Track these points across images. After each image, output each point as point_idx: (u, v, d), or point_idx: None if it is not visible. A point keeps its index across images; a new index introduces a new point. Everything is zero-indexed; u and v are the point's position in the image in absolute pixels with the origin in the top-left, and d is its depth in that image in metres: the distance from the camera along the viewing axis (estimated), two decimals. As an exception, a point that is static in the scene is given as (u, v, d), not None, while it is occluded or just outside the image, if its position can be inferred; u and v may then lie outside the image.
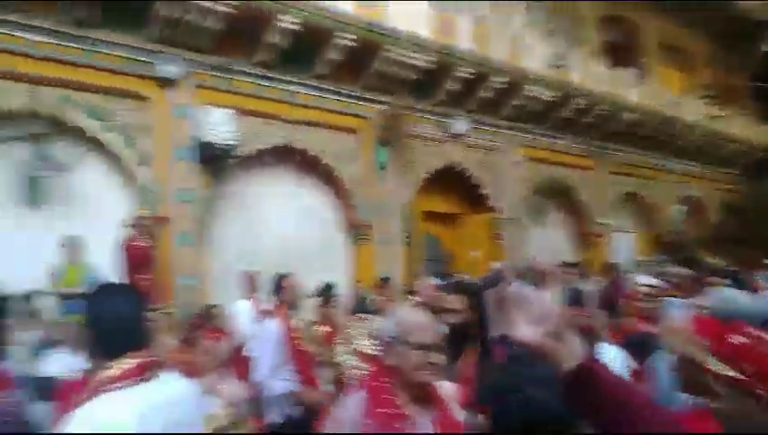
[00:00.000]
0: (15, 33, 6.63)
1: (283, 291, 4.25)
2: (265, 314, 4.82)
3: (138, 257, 6.41)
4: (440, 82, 10.03)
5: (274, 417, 4.01)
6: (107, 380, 1.55)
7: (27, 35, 6.68)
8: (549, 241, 12.21)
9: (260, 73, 8.43)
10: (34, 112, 6.72)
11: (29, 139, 6.62)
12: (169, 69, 7.50)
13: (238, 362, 4.26)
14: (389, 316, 2.18)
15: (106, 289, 1.81)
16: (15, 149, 6.60)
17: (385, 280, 7.52)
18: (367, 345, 5.13)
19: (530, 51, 11.13)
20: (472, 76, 10.16)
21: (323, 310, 5.63)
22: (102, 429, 1.46)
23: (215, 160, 7.85)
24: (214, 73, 8.07)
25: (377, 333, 2.50)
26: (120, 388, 1.54)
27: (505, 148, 11.38)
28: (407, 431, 1.85)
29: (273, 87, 8.58)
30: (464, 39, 10.09)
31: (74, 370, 3.62)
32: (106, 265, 6.33)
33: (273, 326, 4.11)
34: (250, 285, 6.91)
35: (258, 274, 6.84)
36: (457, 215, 11.49)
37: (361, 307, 6.11)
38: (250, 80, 8.37)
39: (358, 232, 9.50)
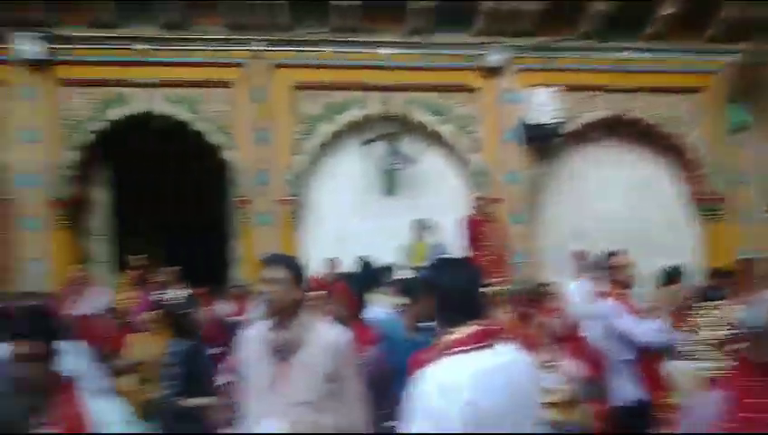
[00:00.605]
0: (365, 51, 7.92)
1: (613, 270, 4.02)
2: (599, 294, 4.63)
3: (476, 235, 6.95)
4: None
5: (620, 400, 3.82)
6: (449, 344, 1.71)
7: (376, 50, 7.89)
8: None
9: (584, 46, 8.11)
10: (387, 115, 7.92)
11: (384, 138, 7.84)
12: (494, 58, 7.90)
13: (572, 341, 4.22)
14: (755, 304, 1.85)
15: (448, 263, 1.96)
16: (374, 148, 7.89)
17: (745, 261, 6.37)
18: (717, 336, 4.47)
19: None
20: None
21: (667, 295, 5.11)
22: (442, 387, 1.62)
23: (541, 140, 7.95)
24: (536, 55, 8.14)
25: (738, 323, 2.15)
26: (459, 352, 1.69)
27: None
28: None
29: (600, 58, 8.16)
30: None
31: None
32: (448, 242, 7.06)
33: (607, 307, 3.93)
34: (579, 263, 6.76)
35: (587, 252, 6.64)
36: None
37: (712, 293, 5.32)
38: (574, 54, 8.15)
39: (707, 207, 8.29)
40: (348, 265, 7.04)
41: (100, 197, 8.26)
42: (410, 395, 1.69)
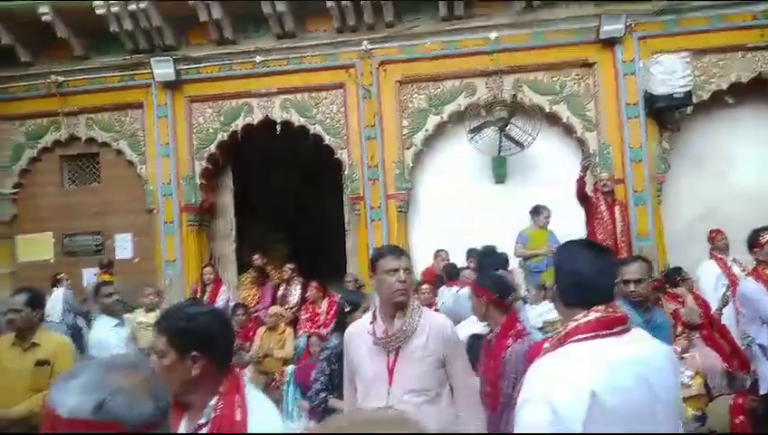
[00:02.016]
0: (471, 37, 7.72)
1: (758, 249, 3.53)
2: (740, 274, 4.11)
3: (595, 218, 6.50)
4: None
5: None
6: (572, 331, 1.56)
7: (487, 35, 7.69)
8: None
9: (716, 3, 7.27)
10: (496, 100, 7.66)
11: (493, 124, 7.59)
12: (611, 27, 7.30)
13: (706, 329, 3.78)
14: None
15: (571, 246, 1.83)
16: (482, 135, 7.67)
17: None
18: None
19: None
20: None
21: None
22: (561, 379, 1.47)
23: (667, 111, 7.25)
24: (658, 20, 7.43)
25: None
26: (584, 340, 1.53)
27: None
28: None
29: (736, 13, 7.26)
30: None
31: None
32: (567, 226, 6.64)
33: (751, 288, 3.46)
34: (715, 243, 6.07)
35: (722, 232, 5.98)
36: None
37: None
38: (703, 14, 7.33)
39: None
40: (459, 256, 6.94)
41: (225, 201, 8.91)
42: (526, 386, 1.54)
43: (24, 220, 8.72)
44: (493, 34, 7.70)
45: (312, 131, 8.16)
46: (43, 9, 7.75)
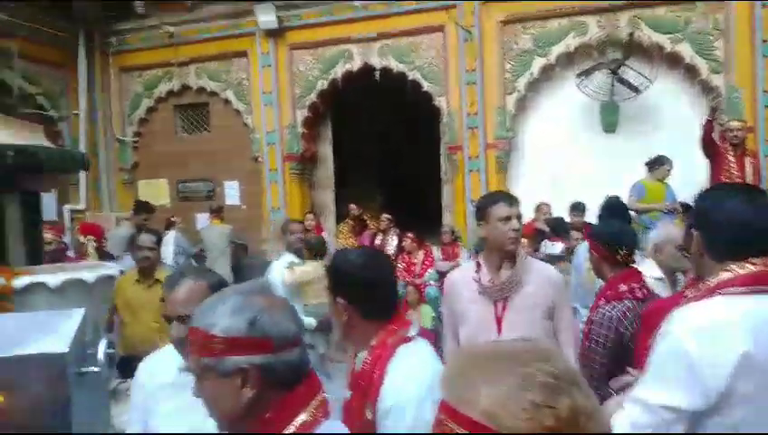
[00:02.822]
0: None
1: None
2: None
3: (722, 171, 5.88)
4: None
5: None
6: (719, 283, 1.40)
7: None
8: None
9: None
10: (609, 40, 7.05)
11: (604, 66, 7.02)
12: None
13: None
14: None
15: (720, 190, 1.62)
16: (593, 79, 7.13)
17: None
18: None
19: None
20: None
21: None
22: (706, 331, 1.33)
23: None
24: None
25: None
26: (734, 294, 1.37)
27: None
28: None
29: None
30: None
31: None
32: (686, 182, 6.08)
33: None
34: None
35: None
36: None
37: None
38: None
39: None
40: (562, 209, 6.61)
41: (325, 150, 9.06)
42: (658, 340, 1.40)
43: (143, 166, 9.41)
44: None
45: (410, 78, 8.00)
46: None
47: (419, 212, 8.92)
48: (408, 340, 1.64)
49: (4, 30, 7.67)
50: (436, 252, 7.19)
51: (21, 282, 2.89)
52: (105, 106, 9.35)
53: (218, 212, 8.04)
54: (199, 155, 9.01)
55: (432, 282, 6.68)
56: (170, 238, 6.78)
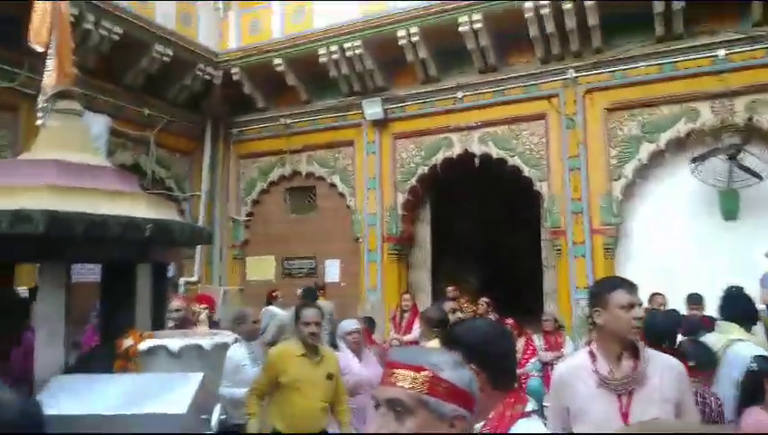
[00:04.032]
0: (692, 57, 7.00)
1: None
2: None
3: None
4: None
5: None
6: None
7: (714, 53, 6.93)
8: None
9: None
10: (724, 125, 6.77)
11: (720, 152, 6.70)
12: None
13: None
14: None
15: None
16: (707, 165, 6.80)
17: None
18: None
19: None
20: None
21: None
22: None
23: None
24: None
25: None
26: None
27: None
28: None
29: None
30: None
31: None
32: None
33: None
34: None
35: None
36: None
37: None
38: None
39: None
40: (675, 300, 6.13)
41: (423, 232, 9.19)
42: None
43: (252, 244, 10.01)
44: (721, 52, 6.88)
45: (510, 163, 8.07)
46: (277, 61, 8.96)
47: (518, 298, 8.65)
48: (526, 415, 1.59)
49: (146, 122, 8.75)
50: (538, 341, 6.86)
51: (145, 345, 3.11)
52: (224, 188, 10.19)
53: (323, 289, 8.26)
54: (304, 234, 9.46)
55: (535, 373, 6.34)
56: (270, 311, 7.00)
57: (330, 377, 3.54)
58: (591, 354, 2.30)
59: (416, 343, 6.57)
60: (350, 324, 4.52)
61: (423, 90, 8.67)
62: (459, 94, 8.39)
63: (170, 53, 8.41)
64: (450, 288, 8.47)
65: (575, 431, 2.26)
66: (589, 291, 2.53)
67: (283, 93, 9.54)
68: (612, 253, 7.41)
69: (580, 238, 7.49)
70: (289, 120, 9.56)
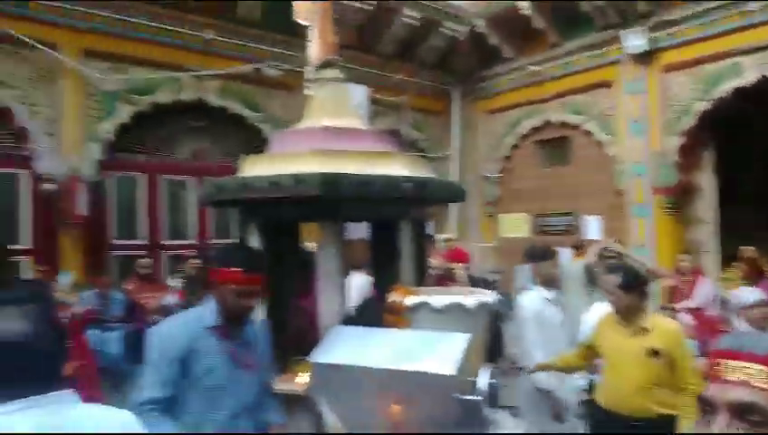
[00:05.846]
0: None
1: None
2: None
3: None
4: None
5: None
6: None
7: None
8: None
9: None
10: None
11: None
12: None
13: None
14: None
15: None
16: None
17: None
18: None
19: None
20: None
21: None
22: None
23: None
24: None
25: None
26: None
27: None
28: None
29: None
30: None
31: None
32: None
33: None
34: None
35: None
36: None
37: None
38: None
39: None
40: None
41: (706, 183, 7.78)
42: None
43: (505, 200, 9.82)
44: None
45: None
46: (524, 3, 8.41)
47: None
48: None
49: (398, 87, 9.11)
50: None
51: (410, 301, 3.16)
52: (474, 145, 10.15)
53: (581, 248, 7.68)
54: (559, 189, 8.90)
55: None
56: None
57: (652, 353, 2.99)
58: None
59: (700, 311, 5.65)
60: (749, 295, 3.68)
61: (700, 8, 7.21)
62: (752, 6, 6.75)
63: (418, 15, 8.55)
64: (747, 248, 7.03)
65: None
66: None
67: (530, 40, 8.99)
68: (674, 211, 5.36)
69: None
70: (538, 67, 8.98)
